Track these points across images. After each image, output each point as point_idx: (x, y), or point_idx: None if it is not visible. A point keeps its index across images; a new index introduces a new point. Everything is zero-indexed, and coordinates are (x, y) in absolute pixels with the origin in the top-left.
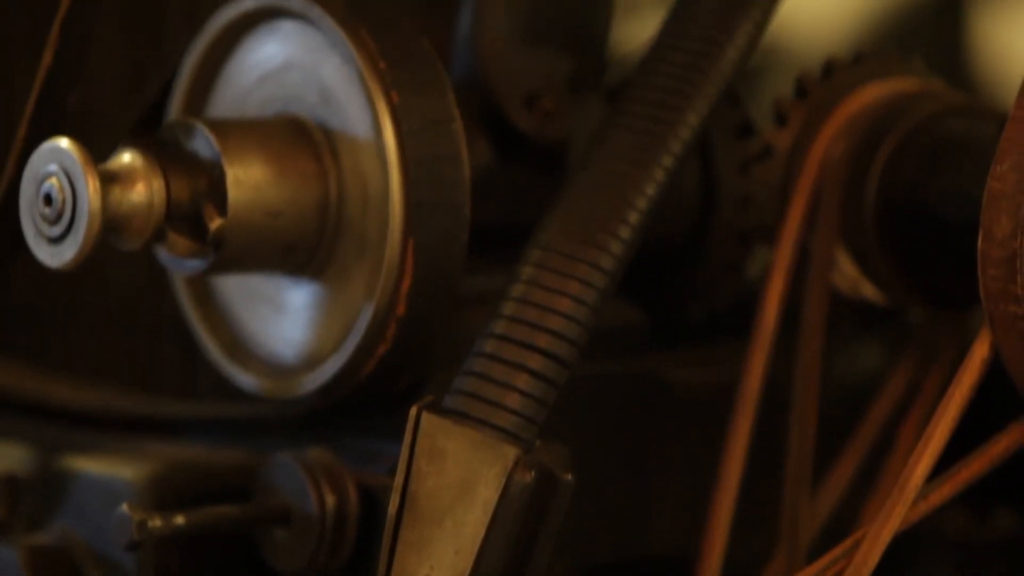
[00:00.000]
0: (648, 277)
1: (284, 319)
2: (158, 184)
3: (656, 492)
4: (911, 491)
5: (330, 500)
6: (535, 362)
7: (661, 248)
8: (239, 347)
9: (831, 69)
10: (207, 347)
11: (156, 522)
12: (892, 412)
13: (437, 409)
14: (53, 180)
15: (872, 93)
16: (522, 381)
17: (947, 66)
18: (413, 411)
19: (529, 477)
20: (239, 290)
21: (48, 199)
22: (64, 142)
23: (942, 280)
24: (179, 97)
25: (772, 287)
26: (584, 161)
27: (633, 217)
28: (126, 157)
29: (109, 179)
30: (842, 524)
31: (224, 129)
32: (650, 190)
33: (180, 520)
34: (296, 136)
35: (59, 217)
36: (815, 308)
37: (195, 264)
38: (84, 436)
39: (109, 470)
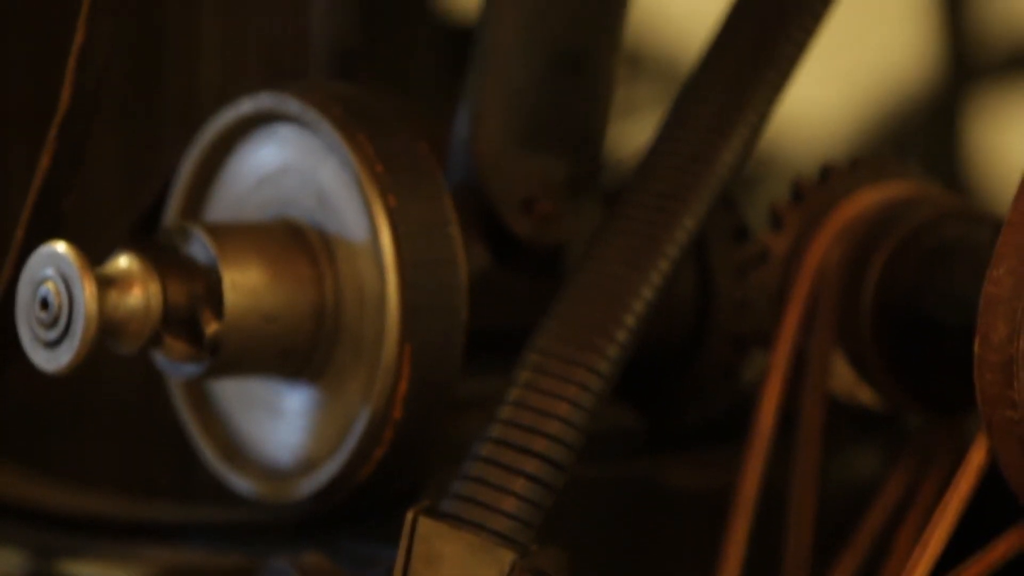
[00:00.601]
0: (644, 380)
1: (280, 423)
2: (155, 288)
3: None
4: None
5: None
6: (532, 466)
7: (657, 352)
8: (236, 451)
9: (827, 174)
10: (203, 451)
11: None
12: (889, 517)
13: (434, 513)
14: (50, 284)
15: (868, 198)
16: (519, 485)
17: (943, 171)
18: (410, 515)
19: None
20: (235, 394)
21: (44, 303)
22: (61, 246)
23: (939, 384)
24: (176, 201)
25: (768, 391)
26: (581, 265)
27: (630, 321)
28: (123, 261)
29: (106, 283)
30: None
31: (221, 233)
32: (647, 294)
33: None
34: (293, 240)
35: (55, 321)
36: (812, 413)
37: (192, 368)
38: (81, 541)
39: (106, 575)
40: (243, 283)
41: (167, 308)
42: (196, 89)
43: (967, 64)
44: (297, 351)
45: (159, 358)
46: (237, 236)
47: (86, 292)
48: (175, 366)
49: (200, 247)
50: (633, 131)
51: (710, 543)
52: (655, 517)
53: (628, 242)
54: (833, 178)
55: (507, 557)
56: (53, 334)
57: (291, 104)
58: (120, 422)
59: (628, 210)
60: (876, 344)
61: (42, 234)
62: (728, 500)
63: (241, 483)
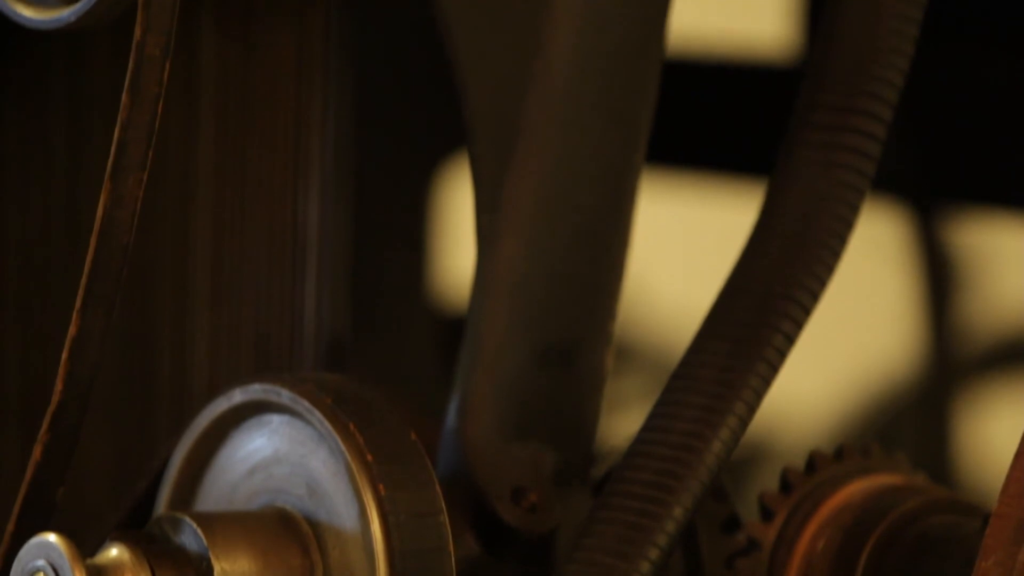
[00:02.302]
0: None
1: None
2: None
3: None
4: None
5: None
6: None
7: None
8: None
9: (814, 463)
10: None
11: None
12: None
13: None
14: (41, 575)
15: (856, 488)
16: None
17: (931, 462)
18: None
19: None
20: None
21: None
22: (52, 536)
23: None
24: (168, 490)
25: None
26: (570, 555)
27: None
28: (113, 551)
29: (96, 573)
30: None
31: (211, 523)
32: None
33: None
34: (283, 528)
35: None
36: None
37: None
38: None
39: None
40: (233, 572)
41: None
42: (188, 379)
43: (953, 357)
44: None
45: None
46: (227, 525)
47: None
48: None
49: (191, 536)
50: (623, 424)
51: None
52: None
53: (618, 532)
54: (820, 468)
55: None
56: None
57: (282, 394)
58: None
59: (616, 499)
60: None
61: (34, 525)
62: None
63: None
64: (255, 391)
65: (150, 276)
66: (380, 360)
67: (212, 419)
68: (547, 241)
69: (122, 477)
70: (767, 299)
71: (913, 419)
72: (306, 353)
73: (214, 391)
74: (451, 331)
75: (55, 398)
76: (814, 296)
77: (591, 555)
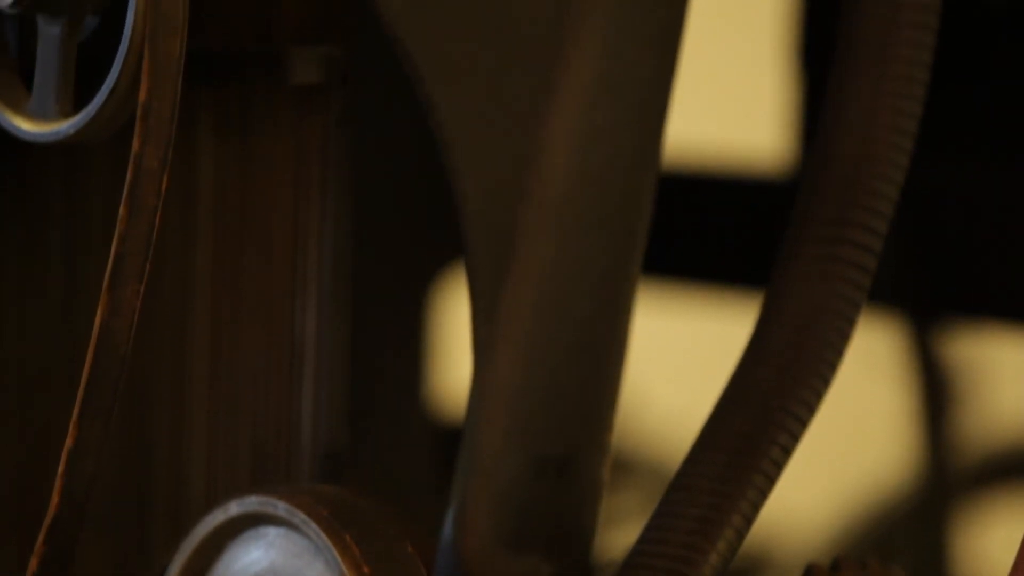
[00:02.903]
0: None
1: None
2: None
3: None
4: None
5: None
6: None
7: None
8: None
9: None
10: None
11: None
12: None
13: None
14: None
15: None
16: None
17: (927, 574)
18: None
19: None
20: None
21: None
22: None
23: None
24: None
25: None
26: None
27: None
28: None
29: None
30: None
31: None
32: None
33: None
34: None
35: None
36: None
37: None
38: None
39: None
40: None
41: None
42: (184, 491)
43: (949, 470)
44: None
45: None
46: None
47: None
48: None
49: None
50: (619, 538)
51: None
52: None
53: None
54: None
55: None
56: None
57: (279, 507)
58: None
59: None
60: None
61: None
62: None
63: None
64: (251, 503)
65: (147, 387)
66: (377, 471)
67: (209, 531)
68: (544, 352)
69: None
70: (764, 411)
71: (910, 532)
72: (303, 464)
73: (211, 503)
74: (448, 442)
75: (51, 510)
76: (811, 409)
77: None
